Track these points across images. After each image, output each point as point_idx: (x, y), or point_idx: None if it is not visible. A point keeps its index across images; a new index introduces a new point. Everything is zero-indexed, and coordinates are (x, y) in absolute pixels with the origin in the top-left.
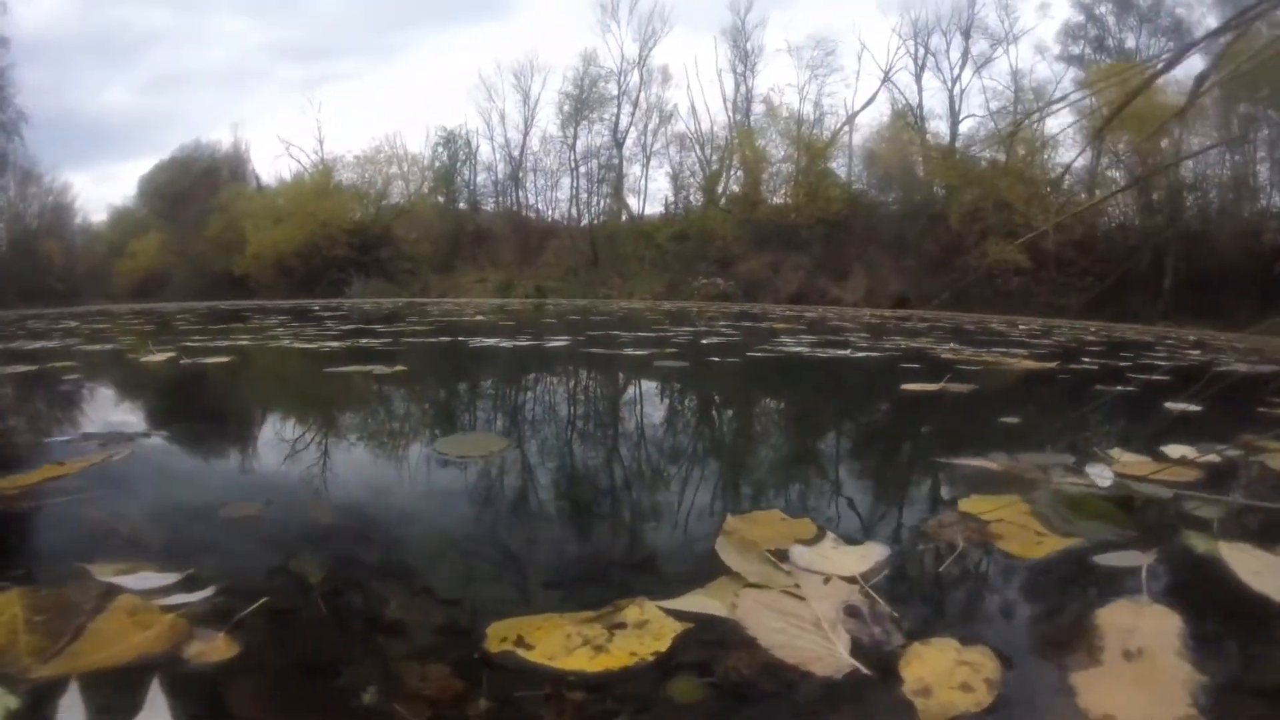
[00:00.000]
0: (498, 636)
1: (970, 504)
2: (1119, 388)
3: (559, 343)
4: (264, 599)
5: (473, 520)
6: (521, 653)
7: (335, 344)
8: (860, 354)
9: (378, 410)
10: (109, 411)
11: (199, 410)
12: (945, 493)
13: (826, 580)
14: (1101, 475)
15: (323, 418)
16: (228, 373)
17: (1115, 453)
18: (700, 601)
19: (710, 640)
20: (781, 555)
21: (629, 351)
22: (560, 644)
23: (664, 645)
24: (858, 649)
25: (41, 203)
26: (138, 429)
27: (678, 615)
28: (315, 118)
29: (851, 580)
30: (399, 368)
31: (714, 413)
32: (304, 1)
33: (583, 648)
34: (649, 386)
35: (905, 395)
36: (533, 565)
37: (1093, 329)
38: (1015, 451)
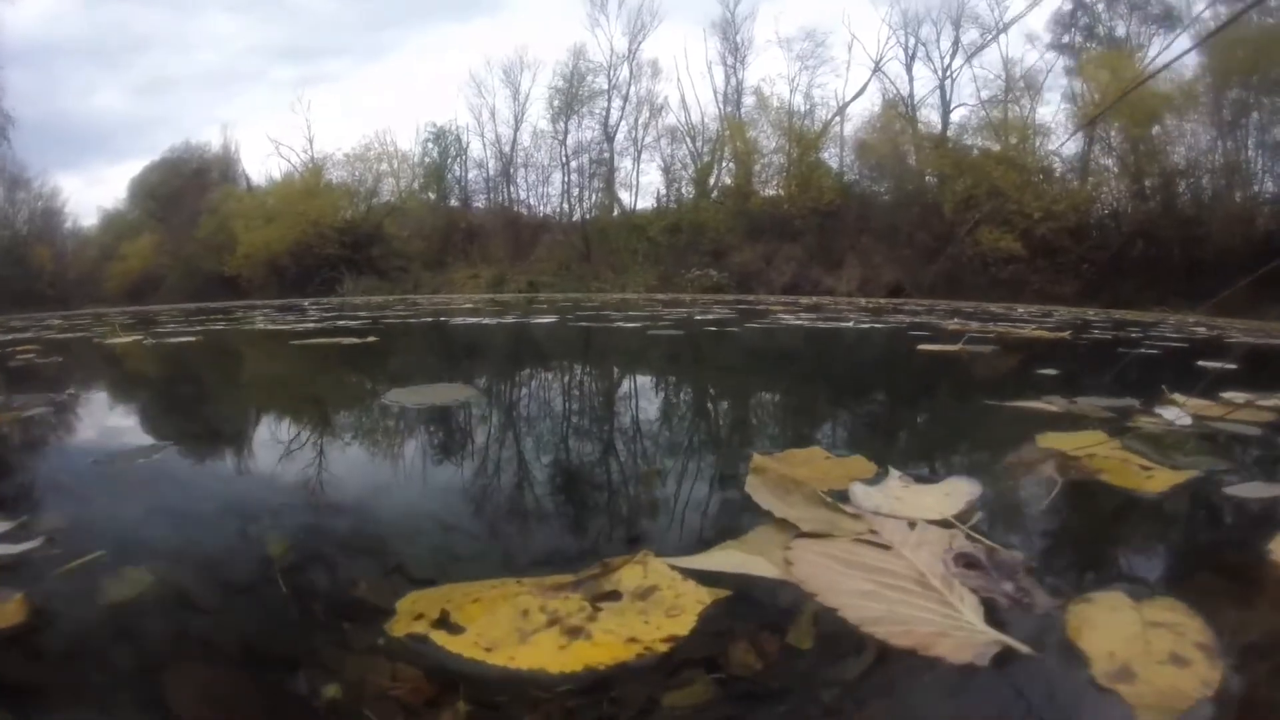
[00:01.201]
0: (410, 613)
1: (1050, 440)
2: (1141, 351)
3: (547, 320)
4: (98, 553)
5: (416, 470)
6: (440, 639)
7: (311, 325)
8: (864, 325)
9: (332, 370)
10: (46, 379)
11: (137, 376)
12: (1013, 430)
13: (912, 525)
14: (1178, 416)
15: (268, 378)
16: (188, 349)
17: (1178, 397)
18: (735, 558)
19: (759, 615)
20: (839, 498)
21: (620, 324)
22: (509, 625)
23: (684, 626)
24: (994, 615)
25: (31, 208)
26: (65, 391)
27: (702, 578)
28: (305, 117)
29: (944, 524)
30: (370, 339)
31: (717, 367)
32: (294, 2)
33: (547, 631)
34: (642, 348)
35: (924, 353)
36: (483, 519)
37: (1090, 312)
38: (1069, 396)
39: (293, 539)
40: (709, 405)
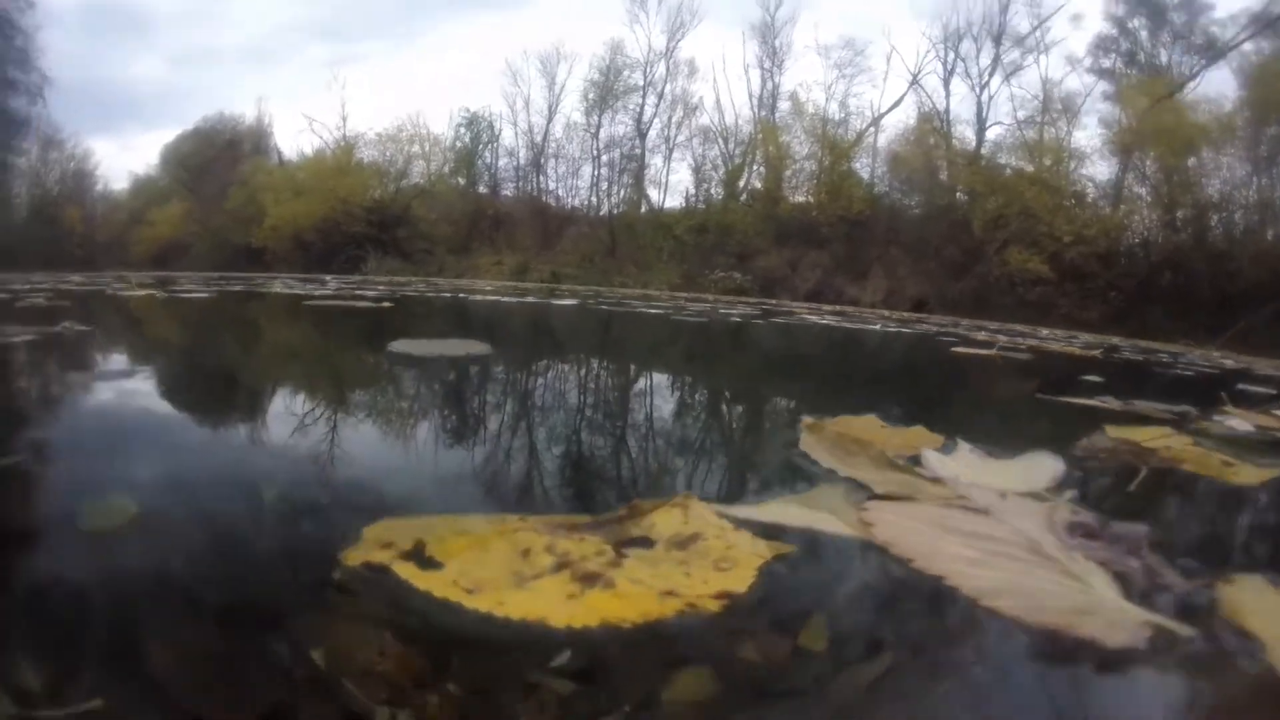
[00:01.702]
0: (377, 541)
1: (1119, 431)
2: (1175, 372)
3: (568, 301)
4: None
5: (411, 415)
6: (406, 572)
7: (329, 292)
8: (891, 329)
9: (338, 325)
10: (47, 317)
11: (137, 318)
12: (1074, 421)
13: (1002, 495)
14: (1240, 424)
15: (268, 326)
16: (198, 302)
17: (1228, 409)
18: (796, 513)
19: (839, 577)
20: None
21: (642, 310)
22: (502, 565)
23: (740, 581)
24: (1130, 592)
25: (63, 168)
26: (60, 324)
27: (759, 530)
28: (340, 95)
29: (1036, 497)
30: (385, 304)
31: (748, 348)
32: None
33: (553, 576)
34: (666, 332)
35: (958, 355)
36: (488, 468)
37: (1115, 339)
38: (1122, 399)
39: (253, 468)
40: (743, 381)
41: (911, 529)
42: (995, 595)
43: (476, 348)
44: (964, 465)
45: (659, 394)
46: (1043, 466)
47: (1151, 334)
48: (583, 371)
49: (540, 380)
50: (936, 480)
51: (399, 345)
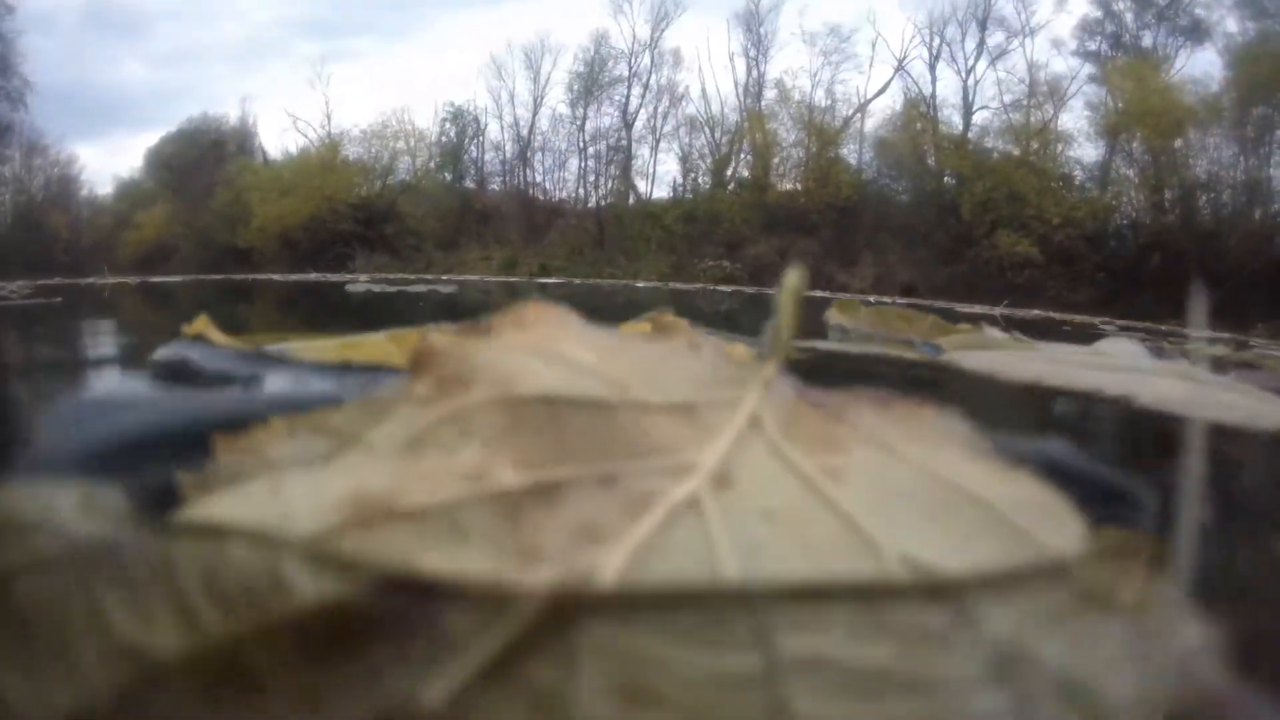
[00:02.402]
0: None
1: (1174, 344)
2: (1182, 334)
3: (555, 280)
4: None
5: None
6: (215, 336)
7: (307, 279)
8: (887, 300)
9: (300, 282)
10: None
11: (91, 287)
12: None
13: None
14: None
15: (224, 284)
16: (172, 287)
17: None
18: (837, 348)
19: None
20: None
21: (630, 284)
22: (370, 355)
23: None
24: None
25: (47, 174)
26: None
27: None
28: (324, 92)
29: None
30: (364, 278)
31: (741, 301)
32: None
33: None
34: (661, 296)
35: (964, 314)
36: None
37: (1108, 319)
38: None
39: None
40: (738, 308)
41: (1020, 361)
42: (1186, 405)
43: (445, 287)
44: (1039, 347)
45: (645, 300)
46: (1126, 348)
47: (1140, 316)
48: (571, 288)
49: (512, 297)
50: (1017, 339)
51: (359, 286)
